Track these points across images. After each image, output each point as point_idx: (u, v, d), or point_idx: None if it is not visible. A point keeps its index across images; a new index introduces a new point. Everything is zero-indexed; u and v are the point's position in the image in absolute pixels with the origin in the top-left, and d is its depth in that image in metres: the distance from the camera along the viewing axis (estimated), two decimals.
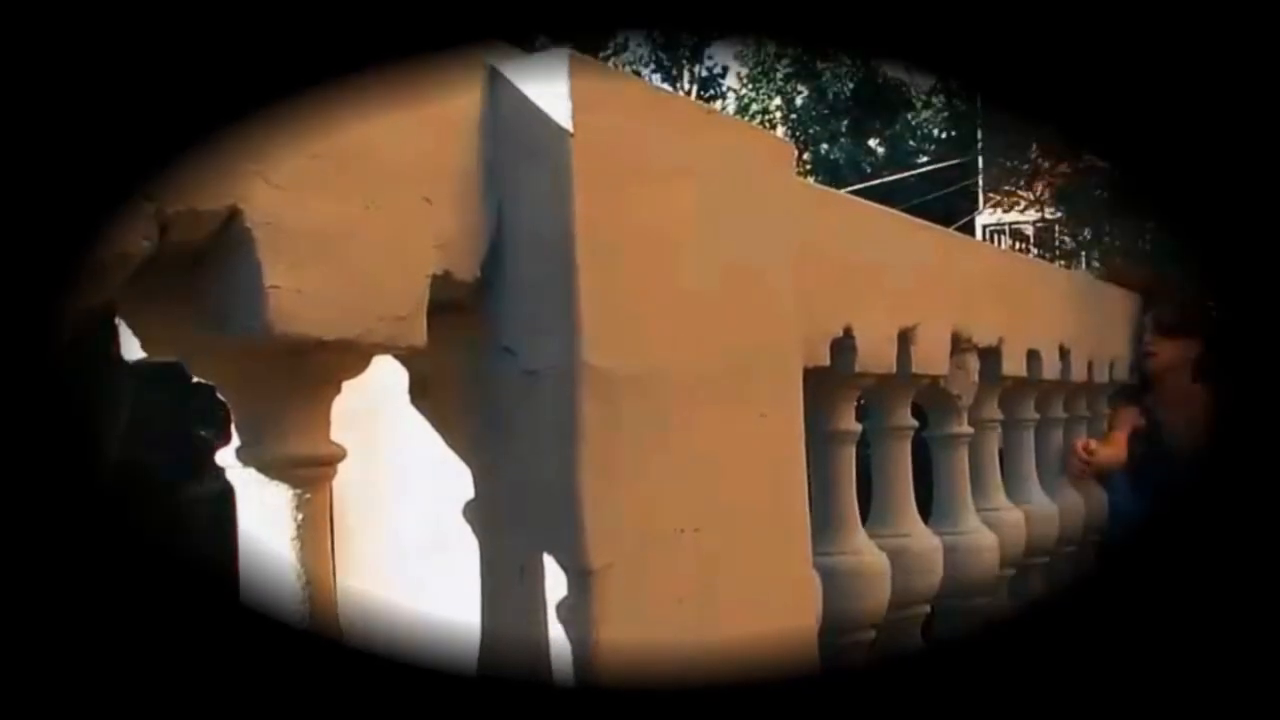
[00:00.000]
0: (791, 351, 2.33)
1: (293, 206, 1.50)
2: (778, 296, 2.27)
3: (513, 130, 1.82)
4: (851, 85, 23.68)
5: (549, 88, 1.80)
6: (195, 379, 1.64)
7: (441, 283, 1.72)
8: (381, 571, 1.95)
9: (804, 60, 23.59)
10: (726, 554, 2.07)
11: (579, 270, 1.77)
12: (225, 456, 1.60)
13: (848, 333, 2.74)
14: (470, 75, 1.81)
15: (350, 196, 1.58)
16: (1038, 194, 9.80)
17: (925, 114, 24.33)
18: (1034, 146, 10.00)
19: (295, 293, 1.49)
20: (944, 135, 23.08)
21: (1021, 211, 10.49)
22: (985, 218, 13.36)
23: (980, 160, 13.87)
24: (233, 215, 1.45)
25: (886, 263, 2.95)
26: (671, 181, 2.01)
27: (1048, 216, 10.06)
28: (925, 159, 21.30)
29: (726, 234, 2.13)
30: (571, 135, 1.78)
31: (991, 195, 12.97)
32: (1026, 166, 9.75)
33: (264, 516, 1.59)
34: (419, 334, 1.68)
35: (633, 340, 1.88)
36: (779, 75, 24.03)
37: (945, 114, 23.92)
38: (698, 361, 2.04)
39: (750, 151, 2.26)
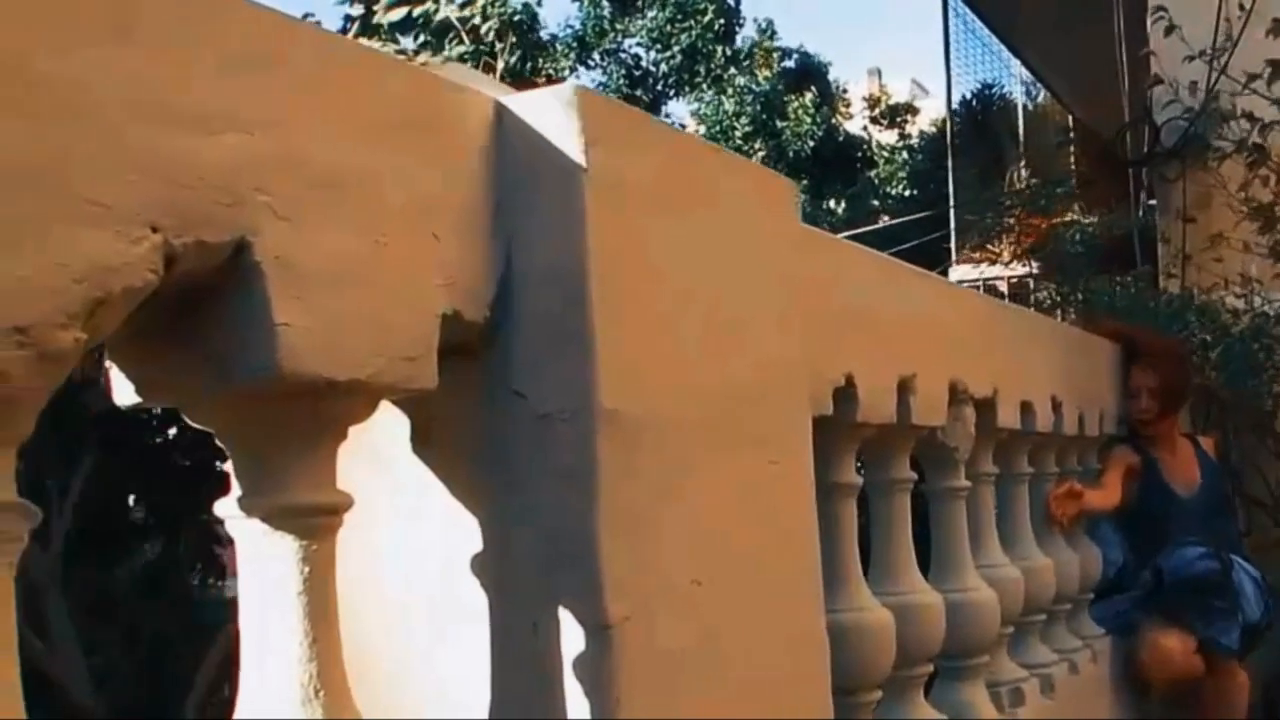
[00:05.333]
0: (800, 395, 2.26)
1: (302, 240, 1.42)
2: (784, 337, 2.20)
3: (521, 165, 1.74)
4: (811, 144, 23.73)
5: (559, 121, 1.73)
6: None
7: (451, 323, 1.64)
8: (383, 629, 1.85)
9: (763, 119, 23.64)
10: (739, 606, 1.99)
11: (593, 308, 1.70)
12: (226, 506, 1.51)
13: (849, 381, 2.66)
14: (476, 108, 1.74)
15: (359, 230, 1.51)
16: (1012, 251, 9.82)
17: (887, 171, 24.39)
18: (1007, 203, 10.03)
19: (306, 331, 1.41)
20: (907, 193, 23.13)
21: (1007, 264, 10.48)
22: (957, 272, 13.38)
23: (951, 217, 13.92)
24: (240, 248, 1.37)
25: (886, 310, 2.89)
26: (680, 219, 1.94)
27: (1021, 271, 10.07)
28: (887, 217, 21.30)
29: (734, 273, 2.07)
30: (584, 169, 1.71)
31: (965, 250, 13.00)
32: (997, 225, 9.76)
33: (267, 569, 1.49)
34: (430, 376, 1.60)
35: (646, 382, 1.81)
36: (738, 134, 24.06)
37: (907, 171, 24.02)
38: (707, 404, 1.96)
39: (756, 190, 2.19)
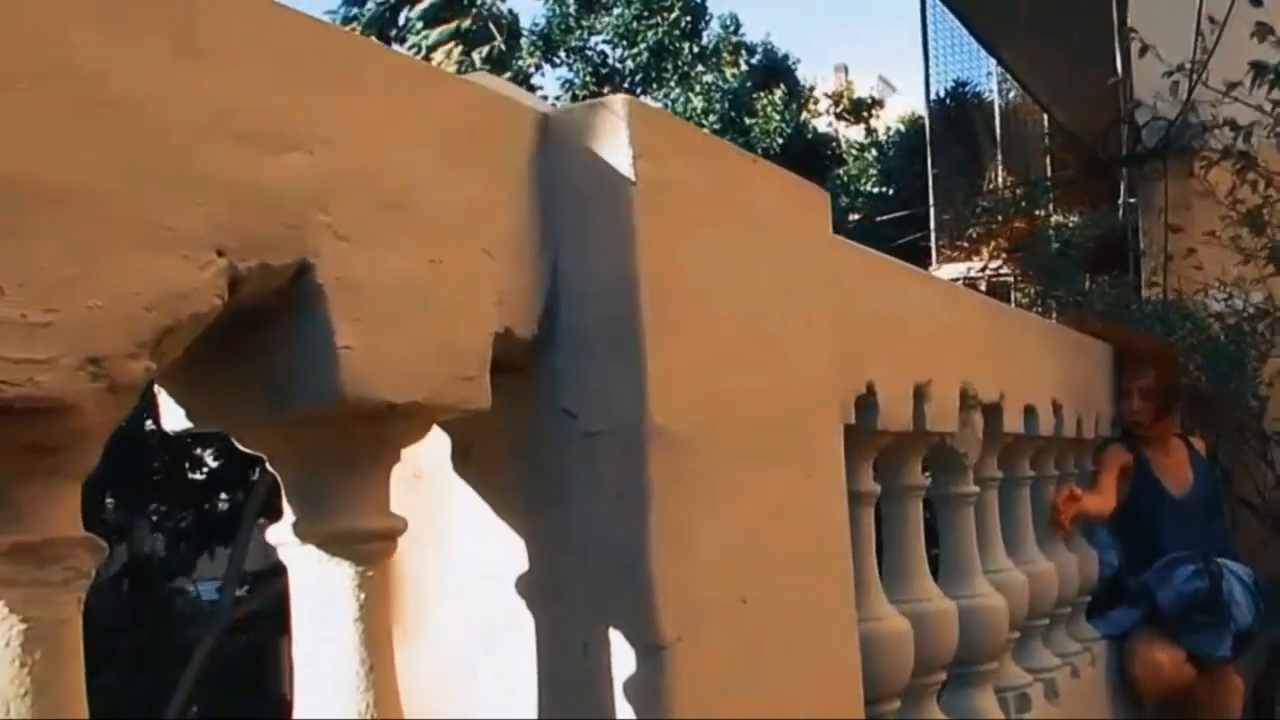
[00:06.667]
0: (833, 406, 2.23)
1: (361, 260, 1.39)
2: (819, 348, 2.18)
3: (567, 179, 1.71)
4: (780, 141, 23.66)
5: (607, 135, 1.70)
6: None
7: (502, 341, 1.60)
8: (427, 654, 1.81)
9: (732, 116, 23.57)
10: (780, 621, 1.97)
11: (645, 322, 1.67)
12: (279, 533, 1.47)
13: (870, 389, 2.64)
14: (522, 121, 1.71)
15: (416, 249, 1.47)
16: (991, 251, 9.82)
17: (857, 168, 24.37)
18: (985, 206, 10.03)
19: (367, 354, 1.37)
20: (876, 190, 23.13)
21: (996, 269, 10.45)
22: (941, 272, 13.40)
23: (931, 215, 13.94)
24: (302, 270, 1.33)
25: (903, 316, 2.86)
26: (723, 230, 1.92)
27: (1002, 272, 10.07)
28: (858, 216, 21.26)
29: (772, 284, 2.04)
30: (633, 183, 1.68)
31: (943, 250, 13.01)
32: (983, 234, 9.77)
33: (324, 596, 1.46)
34: (485, 395, 1.56)
35: (692, 398, 1.78)
36: (705, 130, 23.88)
37: (878, 169, 24.02)
38: (748, 418, 1.94)
39: (793, 199, 2.17)
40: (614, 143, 1.69)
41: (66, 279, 1.10)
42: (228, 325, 1.31)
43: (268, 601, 8.85)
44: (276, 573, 9.61)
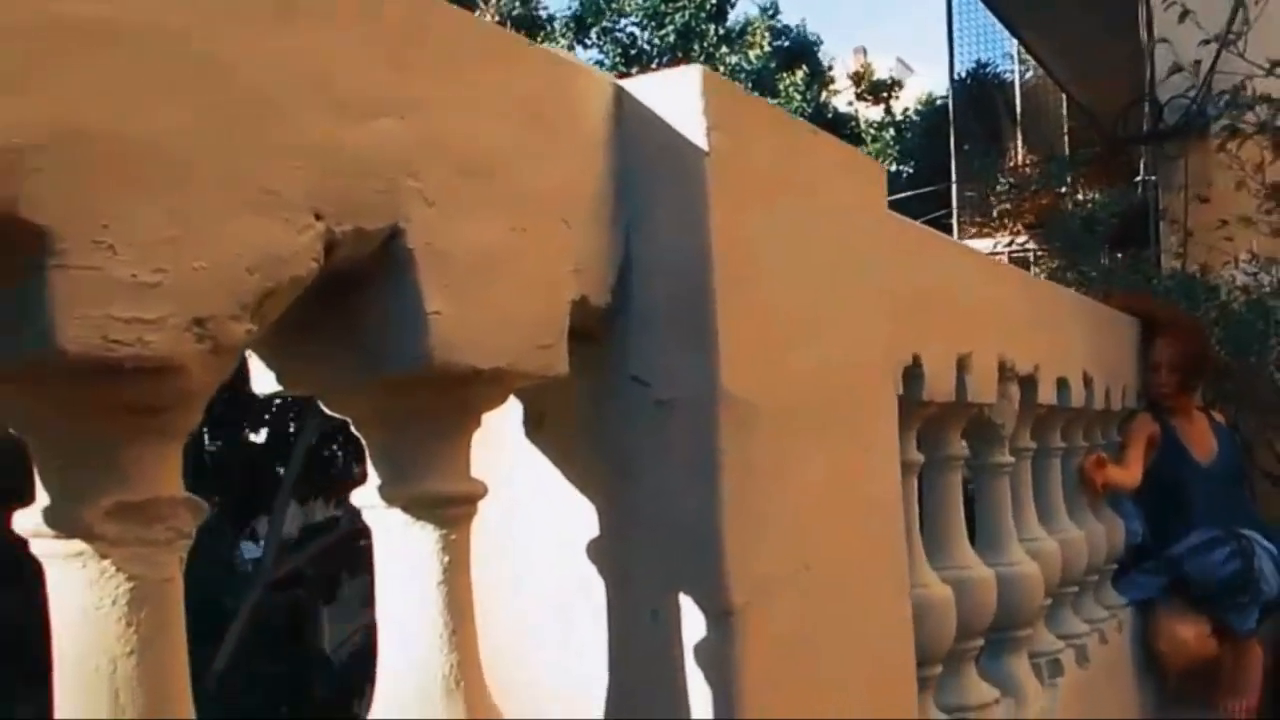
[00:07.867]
0: (888, 379, 2.25)
1: (449, 227, 1.40)
2: (875, 321, 2.19)
3: (641, 149, 1.72)
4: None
5: (681, 105, 1.71)
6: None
7: (578, 309, 1.62)
8: (500, 618, 1.82)
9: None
10: (838, 588, 1.99)
11: (717, 293, 1.68)
12: (365, 496, 1.49)
13: (916, 361, 2.65)
14: (598, 91, 1.72)
15: (500, 217, 1.49)
16: (1012, 227, 9.82)
17: (875, 148, 24.29)
18: (1009, 179, 10.02)
19: (455, 319, 1.39)
20: (893, 169, 23.09)
21: (1022, 242, 10.45)
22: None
23: (954, 193, 13.93)
24: (394, 235, 1.34)
25: (947, 290, 2.87)
26: (789, 202, 1.92)
27: (1023, 246, 10.08)
28: None
29: (833, 256, 2.05)
30: (707, 154, 1.69)
31: (965, 226, 13.01)
32: (1003, 204, 9.76)
33: (407, 560, 1.47)
34: (562, 362, 1.58)
35: (759, 369, 1.79)
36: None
37: (895, 148, 23.96)
38: (810, 389, 1.95)
39: (852, 172, 2.17)
40: (688, 114, 1.70)
41: (172, 239, 1.11)
42: (319, 289, 1.33)
43: (305, 562, 9.08)
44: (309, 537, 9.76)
